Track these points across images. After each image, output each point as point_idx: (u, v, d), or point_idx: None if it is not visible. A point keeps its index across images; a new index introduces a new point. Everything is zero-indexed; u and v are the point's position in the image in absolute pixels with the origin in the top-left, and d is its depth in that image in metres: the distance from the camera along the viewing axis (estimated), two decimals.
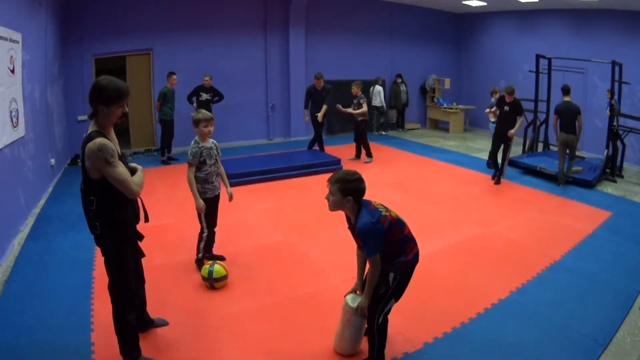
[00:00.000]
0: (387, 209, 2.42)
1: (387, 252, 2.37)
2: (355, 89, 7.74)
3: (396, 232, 2.38)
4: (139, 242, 2.63)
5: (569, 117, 6.45)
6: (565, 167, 6.64)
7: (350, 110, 7.72)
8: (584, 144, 8.49)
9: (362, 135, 7.90)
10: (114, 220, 2.33)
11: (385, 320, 2.53)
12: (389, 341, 2.65)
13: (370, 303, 2.48)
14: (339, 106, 7.76)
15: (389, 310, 2.50)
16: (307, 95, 7.82)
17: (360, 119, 7.75)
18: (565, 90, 6.66)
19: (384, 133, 10.97)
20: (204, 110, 3.75)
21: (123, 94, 2.28)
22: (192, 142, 3.64)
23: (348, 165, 7.57)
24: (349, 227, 2.42)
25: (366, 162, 7.90)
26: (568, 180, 6.66)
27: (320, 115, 7.61)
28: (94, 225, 2.33)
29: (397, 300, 2.50)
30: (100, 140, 2.18)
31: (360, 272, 2.69)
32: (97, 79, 2.29)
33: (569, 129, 6.46)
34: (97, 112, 2.25)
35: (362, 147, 7.99)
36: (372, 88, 10.32)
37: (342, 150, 8.39)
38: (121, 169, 2.24)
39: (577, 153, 6.84)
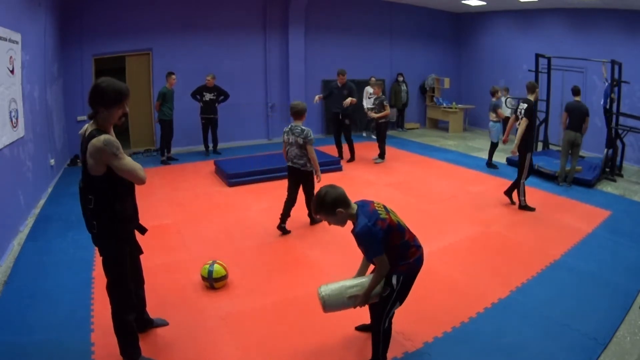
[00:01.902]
0: (388, 212, 2.41)
1: (388, 255, 2.38)
2: (376, 89, 7.65)
3: (396, 236, 2.38)
4: (137, 239, 2.64)
5: (577, 116, 6.51)
6: (568, 167, 6.65)
7: (374, 115, 7.64)
8: (584, 143, 8.46)
9: (381, 135, 7.85)
10: (111, 219, 2.34)
11: (390, 324, 2.54)
12: None
13: (377, 306, 2.49)
14: (372, 114, 7.70)
15: (393, 314, 2.51)
16: (328, 90, 8.09)
17: (381, 121, 7.71)
18: (575, 91, 6.78)
19: (364, 134, 10.71)
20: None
21: (123, 96, 2.30)
22: (303, 127, 4.43)
23: (369, 166, 7.58)
24: (351, 231, 2.38)
25: (376, 162, 7.84)
26: (572, 181, 6.64)
27: (347, 102, 7.60)
28: (92, 224, 2.34)
29: (401, 303, 2.50)
30: (104, 136, 2.22)
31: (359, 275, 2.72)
32: (97, 81, 2.30)
33: (576, 127, 6.51)
34: (97, 114, 2.28)
35: (379, 146, 7.96)
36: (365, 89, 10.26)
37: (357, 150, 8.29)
38: (128, 159, 2.29)
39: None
